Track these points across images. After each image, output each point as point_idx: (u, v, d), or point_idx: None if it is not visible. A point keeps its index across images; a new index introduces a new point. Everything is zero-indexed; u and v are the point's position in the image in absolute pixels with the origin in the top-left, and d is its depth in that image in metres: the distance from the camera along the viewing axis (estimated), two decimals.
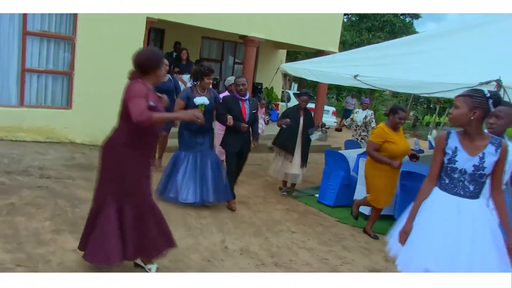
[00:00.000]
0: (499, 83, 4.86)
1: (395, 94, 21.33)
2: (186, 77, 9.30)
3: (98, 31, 7.77)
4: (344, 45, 20.42)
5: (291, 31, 11.36)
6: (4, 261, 3.41)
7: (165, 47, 11.20)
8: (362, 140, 9.19)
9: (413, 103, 25.18)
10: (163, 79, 5.94)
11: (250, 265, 4.10)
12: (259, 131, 6.44)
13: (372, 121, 9.42)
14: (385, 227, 5.78)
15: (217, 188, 5.43)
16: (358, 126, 9.52)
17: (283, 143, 6.54)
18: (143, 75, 3.31)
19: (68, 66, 7.84)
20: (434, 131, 21.07)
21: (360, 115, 9.56)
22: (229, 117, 5.48)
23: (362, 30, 24.17)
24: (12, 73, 7.45)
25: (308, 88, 25.99)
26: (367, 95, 23.39)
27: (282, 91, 13.62)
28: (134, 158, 3.30)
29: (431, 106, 24.58)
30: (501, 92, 4.85)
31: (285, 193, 6.78)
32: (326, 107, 16.20)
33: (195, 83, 5.44)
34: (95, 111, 7.83)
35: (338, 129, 9.50)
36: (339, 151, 7.29)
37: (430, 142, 11.17)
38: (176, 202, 5.28)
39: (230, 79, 7.15)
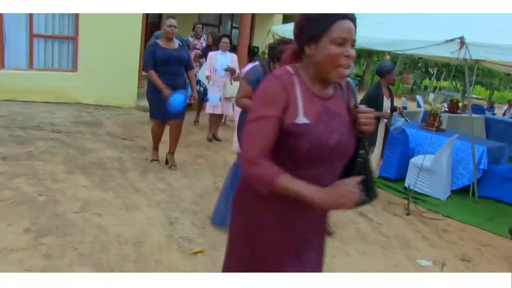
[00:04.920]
0: (462, 40, 5.38)
1: (394, 59, 21.66)
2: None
3: None
4: None
5: None
6: (29, 191, 4.10)
7: (164, 15, 11.58)
8: None
9: (411, 67, 25.49)
10: (171, 45, 5.16)
11: None
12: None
13: None
14: None
15: None
16: None
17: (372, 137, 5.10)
18: None
19: (73, 31, 8.36)
20: (432, 95, 21.48)
21: None
22: None
23: None
24: (21, 38, 8.01)
25: None
26: (364, 59, 23.69)
27: None
28: None
29: (429, 70, 24.88)
30: (463, 49, 5.40)
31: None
32: None
33: (271, 61, 3.64)
34: (99, 73, 8.41)
35: None
36: None
37: (418, 101, 11.73)
38: None
39: None
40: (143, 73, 9.80)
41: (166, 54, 5.05)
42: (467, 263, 4.09)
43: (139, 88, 9.09)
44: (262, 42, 9.18)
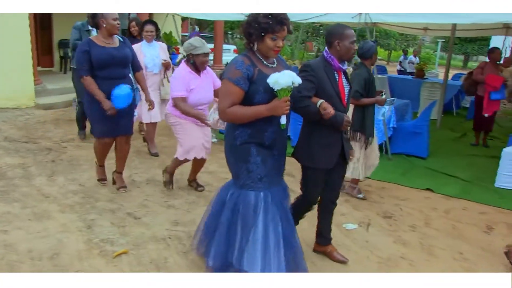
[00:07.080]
0: None
1: (296, 28, 22.02)
2: None
3: None
4: None
5: None
6: None
7: None
8: None
9: (314, 34, 26.16)
10: (111, 42, 4.09)
11: (156, 191, 4.55)
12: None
13: None
14: None
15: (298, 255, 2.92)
16: None
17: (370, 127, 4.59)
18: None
19: None
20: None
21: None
22: (321, 101, 2.88)
23: None
24: None
25: (209, 30, 25.79)
26: None
27: (184, 35, 13.77)
28: None
29: None
30: (363, 14, 5.55)
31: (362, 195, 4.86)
32: (226, 46, 16.47)
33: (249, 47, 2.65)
34: None
35: None
36: None
37: None
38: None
39: (197, 45, 4.10)
40: (39, 68, 9.14)
41: (106, 54, 4.00)
42: (389, 220, 4.26)
43: (36, 86, 8.40)
44: (162, 23, 8.78)
